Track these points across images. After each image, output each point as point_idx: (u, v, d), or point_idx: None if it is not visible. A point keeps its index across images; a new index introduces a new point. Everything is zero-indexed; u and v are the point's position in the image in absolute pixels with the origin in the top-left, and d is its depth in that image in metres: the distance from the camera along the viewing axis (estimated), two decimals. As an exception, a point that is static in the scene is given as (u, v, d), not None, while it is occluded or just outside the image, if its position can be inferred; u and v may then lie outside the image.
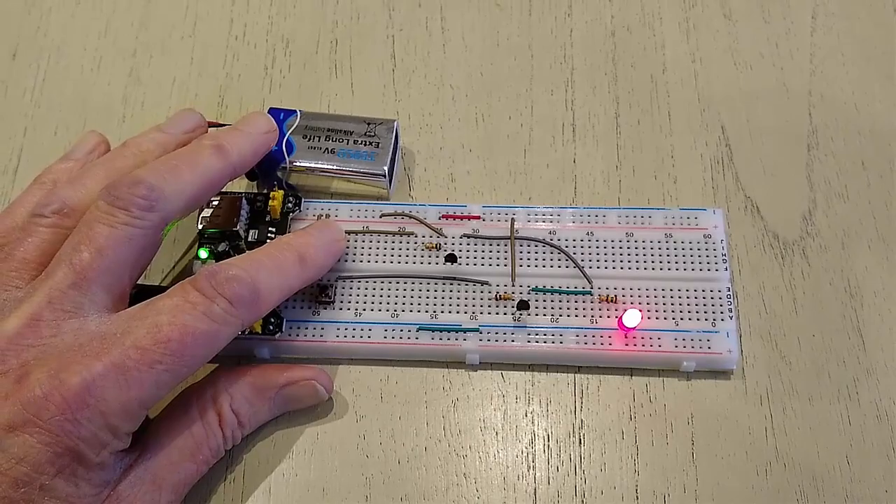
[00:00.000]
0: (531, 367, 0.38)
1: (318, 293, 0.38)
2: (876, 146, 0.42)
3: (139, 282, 0.38)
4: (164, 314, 0.31)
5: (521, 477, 0.36)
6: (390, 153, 0.40)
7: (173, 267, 0.40)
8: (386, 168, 0.40)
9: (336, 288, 0.38)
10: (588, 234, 0.39)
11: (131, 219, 0.33)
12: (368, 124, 0.41)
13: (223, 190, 0.39)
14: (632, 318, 0.36)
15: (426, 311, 0.38)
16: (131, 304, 0.37)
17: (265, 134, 0.38)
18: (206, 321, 0.31)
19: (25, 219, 0.34)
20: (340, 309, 0.38)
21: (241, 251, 0.38)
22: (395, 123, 0.41)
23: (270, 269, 0.34)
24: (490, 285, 0.38)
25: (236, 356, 0.37)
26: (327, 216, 0.40)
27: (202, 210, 0.38)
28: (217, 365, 0.36)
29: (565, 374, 0.37)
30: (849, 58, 0.45)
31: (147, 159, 0.36)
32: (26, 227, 0.34)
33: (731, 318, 0.37)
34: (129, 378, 0.30)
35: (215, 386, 0.35)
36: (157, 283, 0.39)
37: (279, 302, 0.34)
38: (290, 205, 0.39)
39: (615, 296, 0.38)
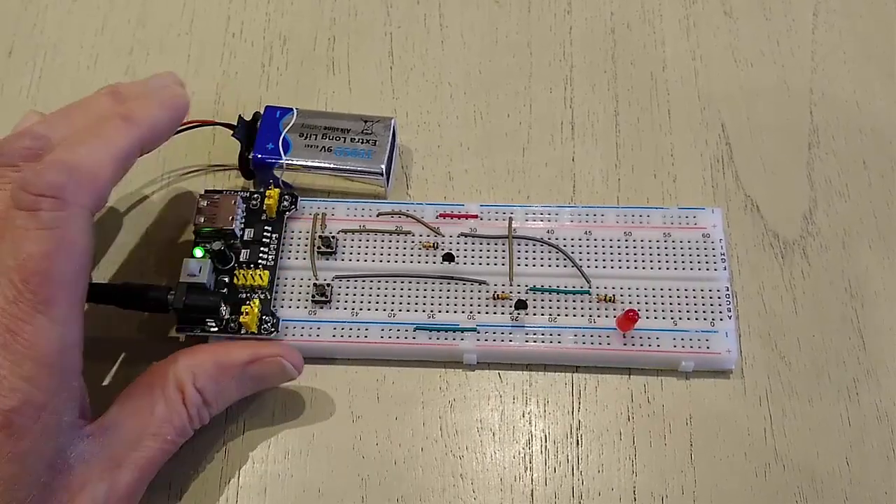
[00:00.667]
0: (529, 367, 0.37)
1: (315, 293, 0.37)
2: (877, 145, 0.42)
3: (128, 280, 0.38)
4: (9, 258, 0.28)
5: (518, 478, 0.35)
6: (387, 151, 0.40)
7: (168, 267, 0.39)
8: (383, 166, 0.40)
9: (333, 287, 0.38)
10: (586, 233, 0.39)
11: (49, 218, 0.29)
12: (365, 122, 0.40)
13: (219, 188, 0.39)
14: (630, 317, 0.36)
15: (423, 311, 0.37)
16: (121, 299, 0.37)
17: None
18: (45, 236, 0.29)
19: None
20: (337, 308, 0.38)
21: (236, 250, 0.38)
22: (393, 121, 0.41)
23: (87, 139, 0.31)
24: (488, 285, 0.38)
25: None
26: (323, 215, 0.39)
27: (199, 209, 0.38)
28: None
29: (563, 375, 0.37)
30: (850, 55, 0.44)
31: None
32: None
33: (730, 317, 0.37)
34: (18, 339, 0.28)
35: (177, 363, 0.33)
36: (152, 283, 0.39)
37: (119, 171, 0.32)
38: (286, 203, 0.39)
39: (613, 295, 0.37)
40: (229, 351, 0.35)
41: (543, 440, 0.36)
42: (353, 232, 0.39)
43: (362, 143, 0.40)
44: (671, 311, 0.37)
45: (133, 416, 0.32)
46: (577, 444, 0.36)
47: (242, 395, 0.35)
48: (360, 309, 0.38)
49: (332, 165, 0.40)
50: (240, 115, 0.41)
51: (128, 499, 0.32)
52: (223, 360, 0.34)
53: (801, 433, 0.36)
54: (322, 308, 0.38)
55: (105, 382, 0.37)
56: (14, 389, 0.28)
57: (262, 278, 0.37)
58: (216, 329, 0.36)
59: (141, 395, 0.33)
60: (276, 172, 0.40)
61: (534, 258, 0.38)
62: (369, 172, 0.40)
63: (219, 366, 0.34)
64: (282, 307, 0.37)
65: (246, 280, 0.37)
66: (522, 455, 0.36)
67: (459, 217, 0.39)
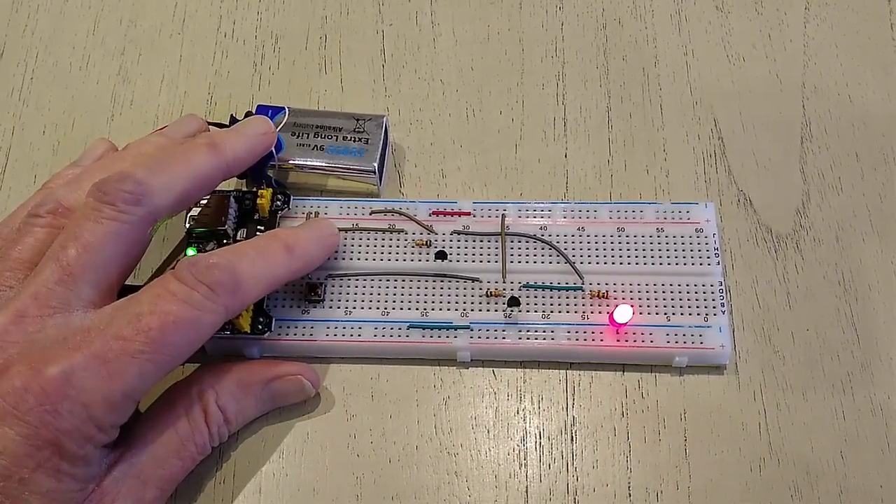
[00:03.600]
0: (522, 364, 0.37)
1: (308, 292, 0.37)
2: (870, 138, 0.42)
3: (127, 282, 0.38)
4: (144, 304, 0.31)
5: (512, 475, 0.35)
6: (380, 149, 0.40)
7: (162, 267, 0.39)
8: (375, 164, 0.40)
9: (326, 286, 0.38)
10: (579, 229, 0.39)
11: (117, 213, 0.32)
12: (357, 120, 0.40)
13: (211, 189, 0.39)
14: (623, 313, 0.36)
15: (417, 309, 0.37)
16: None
17: (262, 135, 0.38)
18: (186, 308, 0.31)
19: (23, 220, 0.35)
20: (330, 307, 0.38)
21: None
22: (385, 119, 0.41)
23: (254, 256, 0.34)
24: (481, 282, 0.38)
25: (225, 356, 0.37)
26: (317, 214, 0.39)
27: (190, 209, 0.38)
28: (201, 364, 0.36)
29: (557, 371, 0.37)
30: (842, 49, 0.44)
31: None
32: (22, 228, 0.34)
33: (723, 312, 0.37)
34: (111, 369, 0.30)
35: (200, 382, 0.34)
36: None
37: (265, 292, 0.34)
38: (278, 203, 0.39)
39: (607, 291, 0.37)
40: (251, 370, 0.35)
41: (538, 437, 0.36)
42: (345, 230, 0.39)
43: (354, 141, 0.40)
44: (664, 306, 0.37)
45: (157, 433, 0.33)
46: (572, 440, 0.36)
47: (260, 412, 0.36)
48: (354, 307, 0.38)
49: (324, 164, 0.40)
50: (232, 115, 0.41)
51: None
52: (245, 379, 0.35)
53: (796, 427, 0.36)
54: (315, 307, 0.37)
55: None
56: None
57: (255, 278, 0.37)
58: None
59: (166, 413, 0.33)
60: (269, 171, 0.40)
61: (527, 255, 0.38)
62: (362, 171, 0.40)
63: (241, 384, 0.35)
64: (275, 307, 0.37)
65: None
66: (517, 452, 0.36)
67: (452, 214, 0.39)
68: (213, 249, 0.37)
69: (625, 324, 0.36)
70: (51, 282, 0.31)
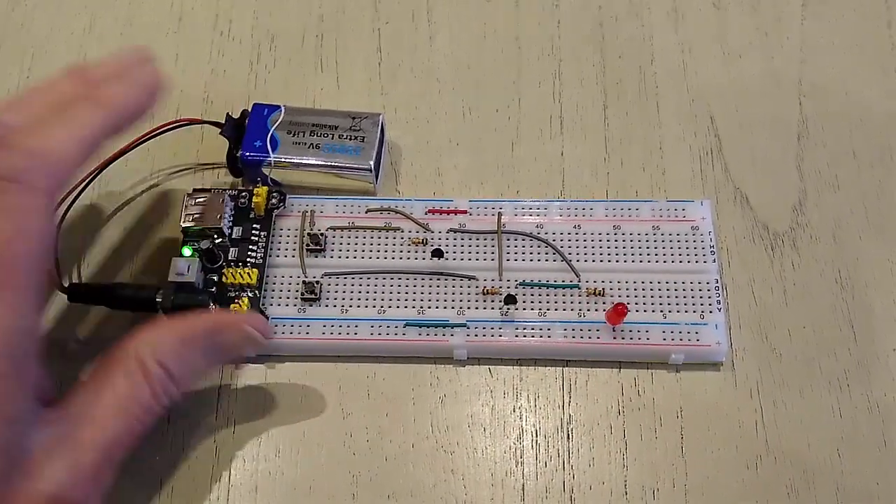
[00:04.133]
0: (519, 362, 0.37)
1: (305, 290, 0.37)
2: (867, 135, 0.42)
3: (123, 281, 0.38)
4: None
5: (509, 473, 0.35)
6: (376, 147, 0.40)
7: (156, 266, 0.39)
8: (372, 163, 0.40)
9: (322, 285, 0.38)
10: (575, 227, 0.39)
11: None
12: (353, 119, 0.40)
13: (207, 187, 0.39)
14: (619, 311, 0.36)
15: (413, 307, 0.37)
16: (110, 299, 0.37)
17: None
18: (4, 221, 0.28)
19: None
20: (326, 306, 0.37)
21: (225, 249, 0.38)
22: (381, 117, 0.40)
23: (50, 124, 0.30)
24: (477, 280, 0.38)
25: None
26: (312, 212, 0.39)
27: (185, 208, 0.38)
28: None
29: (553, 369, 0.37)
30: (840, 46, 0.44)
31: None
32: None
33: (719, 310, 0.37)
34: None
35: (136, 338, 0.32)
36: (140, 283, 0.39)
37: (85, 155, 0.30)
38: (274, 201, 0.39)
39: (603, 289, 0.37)
40: (188, 322, 0.33)
41: (534, 435, 0.36)
42: (342, 229, 0.39)
43: (350, 139, 0.40)
44: (661, 304, 0.37)
45: (94, 395, 0.31)
46: (568, 438, 0.36)
47: (211, 366, 0.34)
48: (350, 306, 0.37)
49: (320, 162, 0.40)
50: (227, 114, 0.41)
51: (94, 479, 0.30)
52: (183, 332, 0.33)
53: (793, 425, 0.36)
54: (311, 306, 0.37)
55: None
56: None
57: (250, 276, 0.37)
58: (205, 328, 0.36)
59: (102, 374, 0.31)
60: (265, 170, 0.40)
61: (523, 253, 0.38)
62: (358, 169, 0.40)
63: (180, 337, 0.33)
64: (271, 305, 0.37)
65: (235, 278, 0.37)
66: (513, 450, 0.36)
67: (448, 213, 0.39)
68: (208, 247, 0.37)
69: (621, 321, 0.36)
70: None
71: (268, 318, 0.37)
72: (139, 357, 0.31)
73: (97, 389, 0.31)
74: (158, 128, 0.40)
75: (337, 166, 0.40)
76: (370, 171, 0.40)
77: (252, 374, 0.37)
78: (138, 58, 0.33)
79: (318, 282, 0.38)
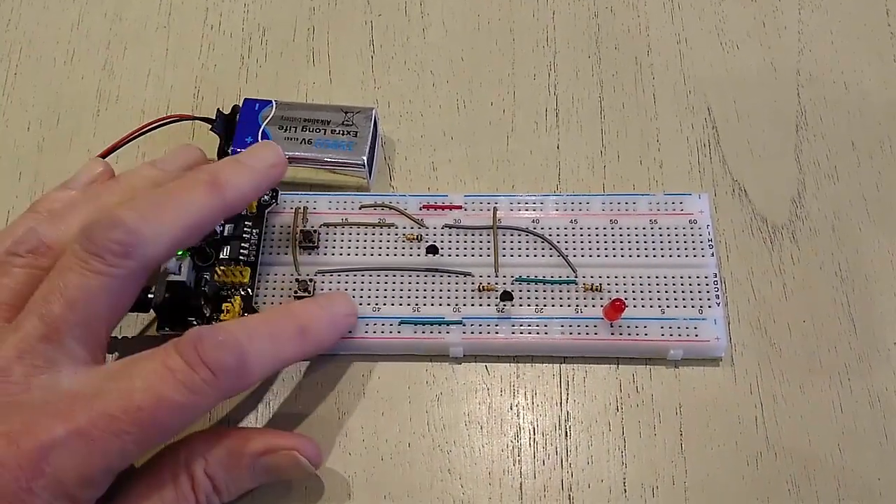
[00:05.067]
0: (516, 359, 0.37)
1: (298, 288, 0.37)
2: (866, 126, 0.41)
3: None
4: (139, 379, 0.29)
5: (506, 471, 0.35)
6: (369, 142, 0.39)
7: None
8: (364, 157, 0.39)
9: (315, 282, 0.37)
10: (572, 221, 0.38)
11: (106, 267, 0.30)
12: (346, 113, 0.40)
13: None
14: (617, 307, 0.35)
15: (408, 305, 0.37)
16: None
17: (270, 167, 0.35)
18: (183, 392, 0.29)
19: (0, 256, 0.32)
20: (320, 304, 0.37)
21: (217, 247, 0.37)
22: (374, 111, 0.40)
23: (264, 336, 0.32)
24: (473, 276, 0.37)
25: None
26: (305, 209, 0.39)
27: None
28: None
29: (550, 366, 0.37)
30: (838, 36, 0.44)
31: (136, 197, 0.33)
32: (1, 266, 0.32)
33: (718, 304, 0.36)
34: (93, 447, 0.28)
35: (190, 448, 0.32)
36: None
37: (270, 374, 0.33)
38: (266, 198, 0.38)
39: (600, 284, 0.37)
40: (243, 439, 0.33)
41: (532, 432, 0.36)
42: (335, 226, 0.38)
43: (343, 134, 0.39)
44: (658, 299, 0.37)
45: (143, 499, 0.31)
46: (566, 435, 0.36)
47: (256, 484, 0.34)
48: (344, 303, 0.37)
49: (313, 157, 0.39)
50: (218, 109, 0.40)
51: None
52: (236, 449, 0.32)
53: (793, 420, 0.35)
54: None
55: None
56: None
57: (243, 275, 0.37)
58: (198, 327, 0.36)
59: (151, 479, 0.31)
60: (257, 166, 0.39)
61: (519, 248, 0.38)
62: (351, 164, 0.39)
63: (231, 454, 0.32)
64: (264, 303, 0.37)
65: (227, 277, 0.37)
66: (511, 448, 0.35)
67: (443, 208, 0.39)
68: (200, 246, 0.37)
69: (618, 317, 0.36)
70: (34, 338, 0.30)
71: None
72: (189, 468, 0.32)
73: (145, 494, 0.31)
74: (148, 124, 0.40)
75: (329, 162, 0.39)
76: (363, 166, 0.39)
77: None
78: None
79: (311, 279, 0.37)
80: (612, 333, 0.36)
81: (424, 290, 0.37)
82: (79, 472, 0.28)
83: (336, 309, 0.35)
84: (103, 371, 0.30)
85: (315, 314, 0.34)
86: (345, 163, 0.39)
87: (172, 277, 0.36)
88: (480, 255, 0.38)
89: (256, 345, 0.31)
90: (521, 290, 0.37)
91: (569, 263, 0.37)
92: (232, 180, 0.33)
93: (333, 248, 0.38)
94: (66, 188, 0.36)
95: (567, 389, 0.36)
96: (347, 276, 0.37)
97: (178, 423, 0.30)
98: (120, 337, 0.37)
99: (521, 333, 0.36)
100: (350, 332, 0.36)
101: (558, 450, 0.35)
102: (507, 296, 0.37)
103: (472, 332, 0.36)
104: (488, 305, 0.37)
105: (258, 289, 0.37)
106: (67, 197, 0.35)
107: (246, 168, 0.34)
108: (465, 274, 0.37)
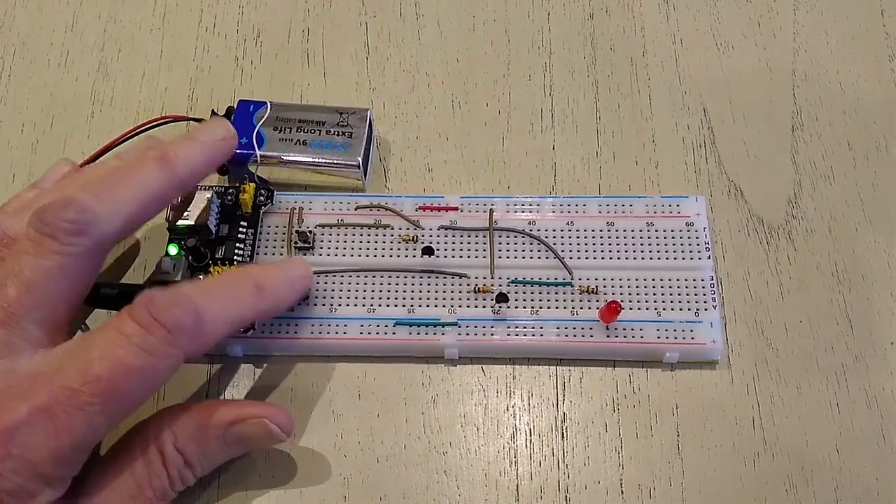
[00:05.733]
0: (512, 361, 0.37)
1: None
2: (861, 126, 0.41)
3: (121, 281, 0.37)
4: (95, 349, 0.29)
5: (502, 473, 0.35)
6: (364, 143, 0.39)
7: (143, 265, 0.39)
8: (360, 158, 0.39)
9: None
10: (568, 223, 0.38)
11: (61, 246, 0.30)
12: (341, 114, 0.40)
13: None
14: (613, 309, 0.35)
15: (403, 306, 0.37)
16: (96, 300, 0.36)
17: (221, 141, 0.35)
18: (141, 355, 0.29)
19: None
20: (315, 305, 0.37)
21: (212, 247, 0.37)
22: (369, 112, 0.40)
23: (219, 294, 0.32)
24: (469, 278, 0.37)
25: (209, 356, 0.37)
26: (300, 209, 0.39)
27: (171, 206, 0.37)
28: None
29: (546, 367, 0.37)
30: (833, 36, 0.44)
31: None
32: None
33: (714, 307, 0.36)
34: (58, 423, 0.28)
35: (158, 423, 0.32)
36: (127, 283, 0.38)
37: (229, 333, 0.32)
38: (261, 198, 0.38)
39: (596, 287, 0.37)
40: (211, 411, 0.32)
41: (528, 434, 0.36)
42: (330, 226, 0.38)
43: (338, 135, 0.39)
44: (655, 301, 0.36)
45: (112, 478, 0.31)
46: (563, 436, 0.35)
47: (229, 456, 0.33)
48: (339, 305, 0.37)
49: (307, 159, 0.39)
50: (212, 111, 0.40)
51: None
52: (205, 421, 0.32)
53: (790, 421, 0.35)
54: (300, 304, 0.37)
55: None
56: None
57: (238, 276, 0.36)
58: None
59: (120, 456, 0.31)
60: (251, 167, 0.39)
61: (515, 250, 0.38)
62: (346, 165, 0.39)
63: (201, 426, 0.32)
64: (259, 305, 0.37)
65: (222, 278, 0.36)
66: (507, 449, 0.35)
67: (439, 209, 0.39)
68: (194, 245, 0.36)
69: (614, 319, 0.36)
70: None
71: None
72: (160, 444, 0.31)
73: (116, 472, 0.31)
74: (143, 125, 0.40)
75: (325, 163, 0.39)
76: (358, 167, 0.39)
77: (240, 375, 0.37)
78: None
79: (306, 281, 0.37)
80: (608, 336, 0.36)
81: (420, 292, 0.37)
82: (47, 451, 0.28)
83: (292, 271, 0.35)
84: (61, 349, 0.30)
85: (271, 273, 0.34)
86: (340, 164, 0.39)
87: (167, 277, 0.36)
88: (476, 257, 0.38)
89: (212, 302, 0.31)
90: (516, 292, 0.37)
91: (565, 265, 0.37)
92: (182, 154, 0.33)
93: (329, 248, 0.38)
94: (35, 187, 0.36)
95: (563, 390, 0.36)
96: (343, 276, 0.37)
97: (141, 389, 0.29)
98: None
99: (517, 335, 0.36)
100: (306, 297, 0.36)
101: (555, 451, 0.35)
102: (502, 297, 0.37)
103: (468, 334, 0.36)
104: (484, 307, 0.37)
105: (253, 290, 0.37)
106: (35, 195, 0.35)
107: (195, 142, 0.34)
108: (461, 275, 0.37)
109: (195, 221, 0.37)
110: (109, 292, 0.36)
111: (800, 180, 0.40)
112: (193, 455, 0.32)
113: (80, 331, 0.37)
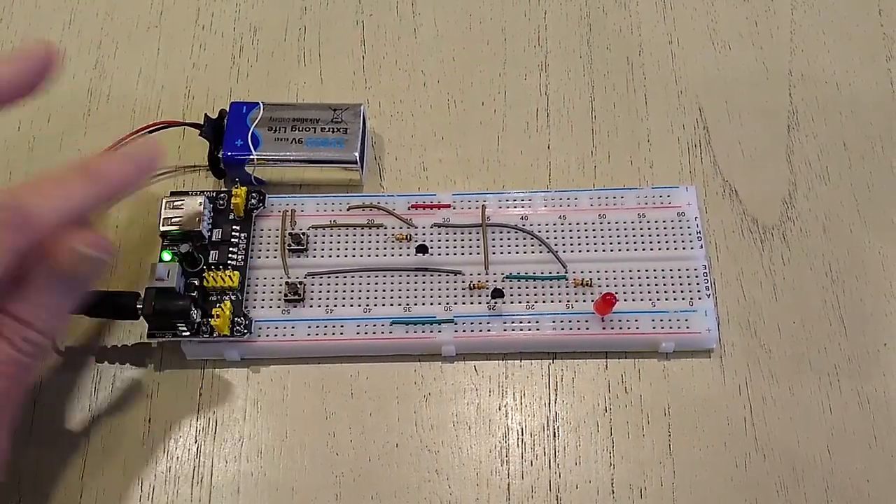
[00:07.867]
0: (505, 358, 0.37)
1: (288, 291, 0.37)
2: (857, 126, 0.41)
3: (95, 288, 0.37)
4: None
5: (494, 472, 0.35)
6: (360, 138, 0.39)
7: (136, 272, 0.38)
8: (356, 154, 0.39)
9: (305, 285, 0.37)
10: (560, 217, 0.38)
11: None
12: (334, 111, 0.40)
13: (184, 189, 0.38)
14: (608, 301, 0.35)
15: (399, 305, 0.37)
16: (89, 307, 0.35)
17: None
18: None
19: None
20: (311, 306, 0.37)
21: (205, 252, 0.37)
22: (362, 107, 0.40)
23: (43, 183, 0.30)
24: (463, 275, 0.37)
25: (203, 360, 0.37)
26: (293, 211, 0.39)
27: (164, 212, 0.37)
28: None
29: (539, 364, 0.37)
30: (830, 36, 0.44)
31: None
32: None
33: (708, 296, 0.36)
34: None
35: None
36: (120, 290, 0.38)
37: (64, 219, 0.30)
38: (253, 202, 0.38)
39: (590, 279, 0.37)
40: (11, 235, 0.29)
41: (520, 433, 0.36)
42: (323, 227, 0.38)
43: (333, 132, 0.39)
44: (649, 292, 0.37)
45: None
46: (554, 436, 0.35)
47: (64, 299, 0.30)
48: (335, 306, 0.37)
49: (304, 157, 0.39)
50: (206, 114, 0.40)
51: None
52: (6, 268, 0.29)
53: (782, 421, 0.35)
54: (295, 307, 0.37)
55: (76, 391, 0.36)
56: None
57: (232, 279, 0.36)
58: (188, 333, 0.35)
59: None
60: (248, 169, 0.39)
61: (509, 246, 0.38)
62: (343, 161, 0.39)
63: (13, 277, 0.29)
64: (254, 308, 0.37)
65: (216, 282, 0.36)
66: (499, 448, 0.35)
67: (432, 207, 0.39)
68: (188, 251, 0.36)
69: (609, 311, 0.36)
70: None
71: (251, 320, 0.36)
72: None
73: None
74: (137, 131, 0.40)
75: (322, 160, 0.39)
76: (356, 162, 0.39)
77: (234, 375, 0.37)
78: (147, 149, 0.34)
79: (301, 282, 0.37)
80: (604, 328, 0.36)
81: (415, 290, 0.37)
82: None
83: (132, 150, 0.33)
84: None
85: (103, 156, 0.32)
86: (337, 161, 0.39)
87: (160, 284, 0.35)
88: (470, 254, 0.38)
89: (34, 191, 0.29)
90: (511, 287, 0.37)
91: (559, 259, 0.37)
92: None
93: (322, 249, 0.38)
94: None
95: (556, 390, 0.36)
96: (337, 277, 0.37)
97: None
98: (109, 346, 0.37)
99: (513, 330, 0.36)
100: (154, 173, 0.35)
101: (546, 451, 0.35)
102: (497, 293, 0.37)
103: (464, 331, 0.36)
104: (479, 303, 0.37)
105: (248, 293, 0.37)
106: None
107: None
108: (456, 272, 0.37)
109: (188, 227, 0.37)
110: (102, 300, 0.36)
111: (795, 180, 0.40)
112: (26, 311, 0.30)
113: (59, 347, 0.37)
